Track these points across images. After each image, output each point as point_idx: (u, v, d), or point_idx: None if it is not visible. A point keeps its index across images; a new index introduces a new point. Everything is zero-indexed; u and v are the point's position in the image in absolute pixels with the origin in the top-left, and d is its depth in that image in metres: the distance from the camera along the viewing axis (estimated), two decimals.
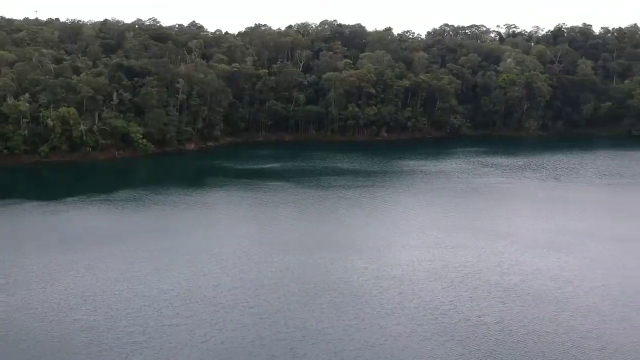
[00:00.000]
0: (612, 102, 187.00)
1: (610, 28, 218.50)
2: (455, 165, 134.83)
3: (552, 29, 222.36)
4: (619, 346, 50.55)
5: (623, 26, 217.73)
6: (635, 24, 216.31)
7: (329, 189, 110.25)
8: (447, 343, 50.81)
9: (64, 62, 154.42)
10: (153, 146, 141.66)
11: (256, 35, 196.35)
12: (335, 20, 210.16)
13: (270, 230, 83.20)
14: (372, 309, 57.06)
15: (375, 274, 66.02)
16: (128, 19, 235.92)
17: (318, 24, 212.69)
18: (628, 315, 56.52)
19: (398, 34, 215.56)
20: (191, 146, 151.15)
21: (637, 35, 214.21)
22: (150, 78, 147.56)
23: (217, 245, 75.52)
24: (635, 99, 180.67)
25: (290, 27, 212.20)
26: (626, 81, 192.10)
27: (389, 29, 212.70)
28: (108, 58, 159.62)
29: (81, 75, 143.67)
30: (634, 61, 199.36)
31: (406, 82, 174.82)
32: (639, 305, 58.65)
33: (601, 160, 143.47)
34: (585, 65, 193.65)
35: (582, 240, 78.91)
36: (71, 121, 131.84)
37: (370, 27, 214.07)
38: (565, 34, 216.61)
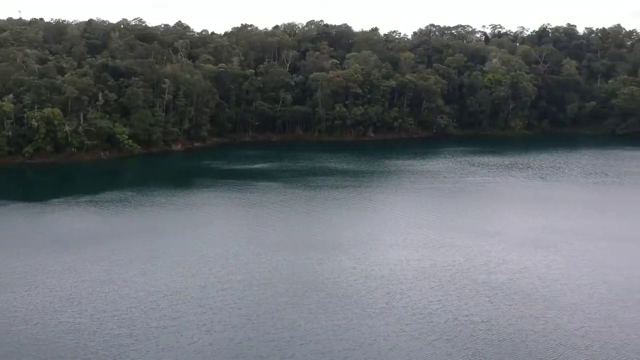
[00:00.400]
0: (597, 101, 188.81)
1: (594, 28, 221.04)
2: (442, 165, 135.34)
3: (537, 29, 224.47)
4: (605, 344, 50.92)
5: (607, 26, 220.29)
6: (619, 24, 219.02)
7: (317, 189, 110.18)
8: (436, 342, 50.91)
9: (49, 62, 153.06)
10: (139, 147, 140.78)
11: (242, 35, 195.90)
12: (321, 21, 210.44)
13: (259, 230, 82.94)
14: (360, 309, 57.03)
15: (363, 274, 66.03)
16: (113, 19, 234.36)
17: (305, 24, 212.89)
18: (614, 313, 56.96)
19: (384, 34, 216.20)
20: (178, 147, 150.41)
21: (620, 36, 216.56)
22: (136, 78, 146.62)
23: (205, 246, 75.16)
24: (619, 99, 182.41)
25: (276, 27, 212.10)
26: (610, 81, 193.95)
27: (375, 29, 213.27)
28: (93, 58, 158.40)
29: (66, 75, 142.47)
30: (618, 61, 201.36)
31: (393, 82, 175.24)
32: (625, 304, 59.13)
33: (586, 159, 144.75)
34: (570, 65, 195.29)
35: (569, 238, 79.45)
36: (56, 122, 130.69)
37: (356, 28, 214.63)
38: (550, 34, 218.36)
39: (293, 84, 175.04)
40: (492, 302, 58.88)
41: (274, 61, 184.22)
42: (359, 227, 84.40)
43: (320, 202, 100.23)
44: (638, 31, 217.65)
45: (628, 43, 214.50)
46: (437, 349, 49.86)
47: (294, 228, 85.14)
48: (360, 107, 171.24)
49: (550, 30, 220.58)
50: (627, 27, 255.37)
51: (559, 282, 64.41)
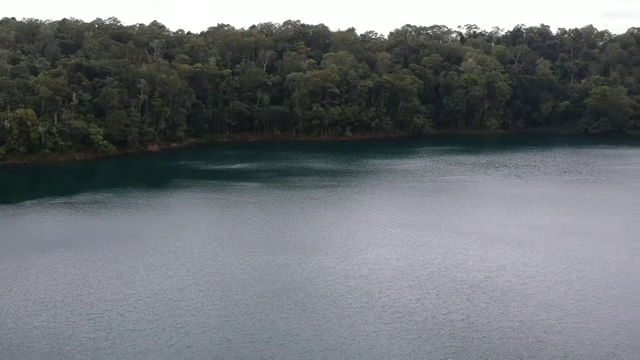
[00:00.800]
0: (570, 101, 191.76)
1: (567, 29, 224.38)
2: (419, 164, 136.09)
3: (511, 29, 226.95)
4: (581, 340, 51.56)
5: (579, 27, 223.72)
6: (591, 25, 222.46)
7: (296, 189, 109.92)
8: (415, 341, 51.05)
9: (21, 62, 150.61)
10: (114, 148, 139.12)
11: (219, 35, 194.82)
12: (298, 21, 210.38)
13: (237, 231, 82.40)
14: (339, 309, 56.96)
15: (342, 274, 65.99)
16: (87, 19, 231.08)
17: (281, 24, 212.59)
18: (589, 309, 57.74)
19: (361, 35, 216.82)
20: (154, 147, 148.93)
21: (592, 36, 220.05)
22: (111, 78, 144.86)
23: (182, 248, 74.44)
24: (591, 98, 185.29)
25: (253, 27, 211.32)
26: (582, 81, 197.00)
27: (352, 30, 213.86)
28: (67, 58, 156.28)
29: (39, 75, 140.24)
30: (590, 61, 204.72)
31: (370, 82, 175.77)
32: (600, 299, 59.98)
33: (561, 158, 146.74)
34: (544, 65, 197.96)
35: (545, 236, 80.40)
36: (29, 123, 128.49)
37: (333, 28, 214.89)
38: (524, 35, 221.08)
39: (270, 84, 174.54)
40: (470, 300, 59.27)
41: (251, 61, 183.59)
42: (337, 226, 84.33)
43: (298, 202, 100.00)
44: (609, 32, 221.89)
45: (600, 43, 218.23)
46: (416, 347, 50.00)
47: (272, 228, 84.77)
48: (338, 107, 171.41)
49: (524, 31, 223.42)
50: (599, 27, 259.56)
51: (536, 279, 65.12)
